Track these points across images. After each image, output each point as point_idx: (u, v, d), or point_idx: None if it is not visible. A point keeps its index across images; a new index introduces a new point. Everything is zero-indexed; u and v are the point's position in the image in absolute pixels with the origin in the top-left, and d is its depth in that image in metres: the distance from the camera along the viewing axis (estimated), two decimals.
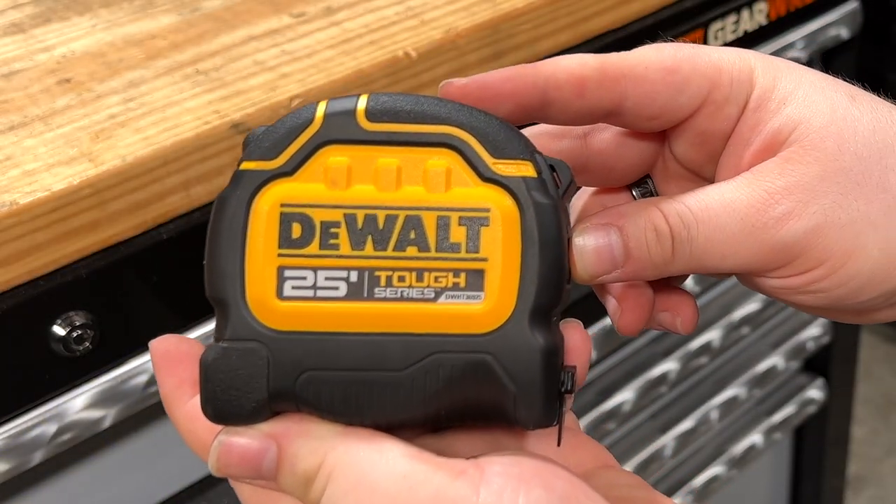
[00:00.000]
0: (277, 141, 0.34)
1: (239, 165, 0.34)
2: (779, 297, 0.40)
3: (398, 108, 0.34)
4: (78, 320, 0.54)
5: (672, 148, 0.41)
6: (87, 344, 0.54)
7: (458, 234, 0.33)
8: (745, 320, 0.99)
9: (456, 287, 0.33)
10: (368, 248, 0.33)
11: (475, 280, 0.33)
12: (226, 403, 0.33)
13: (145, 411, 0.61)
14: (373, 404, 0.33)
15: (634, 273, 0.37)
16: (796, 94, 0.38)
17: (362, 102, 0.34)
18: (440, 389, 0.32)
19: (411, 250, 0.33)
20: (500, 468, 0.32)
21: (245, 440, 0.34)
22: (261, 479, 0.35)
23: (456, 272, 0.33)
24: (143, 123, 0.57)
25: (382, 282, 0.33)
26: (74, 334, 0.54)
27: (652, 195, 0.43)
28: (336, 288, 0.33)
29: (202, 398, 0.33)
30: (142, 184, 0.55)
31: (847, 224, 0.37)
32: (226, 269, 0.34)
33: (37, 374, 0.55)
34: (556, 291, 0.33)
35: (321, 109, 0.34)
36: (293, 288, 0.33)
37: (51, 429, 0.55)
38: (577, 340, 0.36)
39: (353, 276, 0.33)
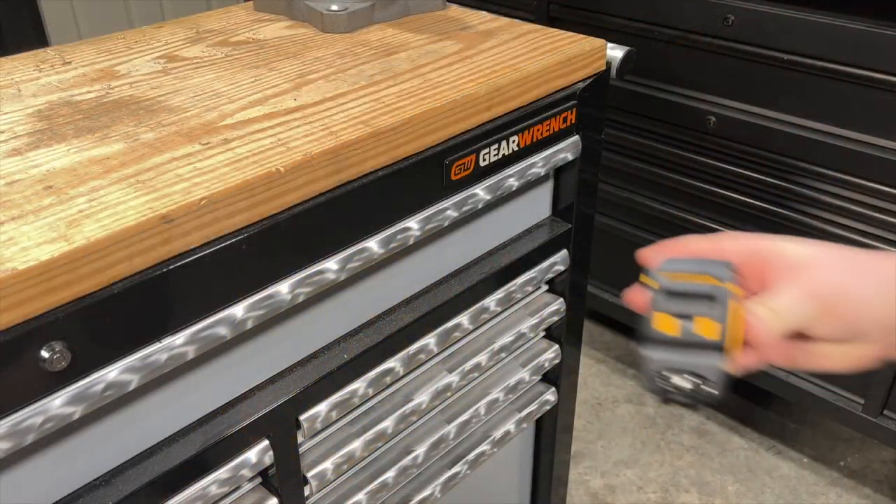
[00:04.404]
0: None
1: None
2: (823, 335, 0.55)
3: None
4: (57, 347, 0.56)
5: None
6: (64, 363, 0.57)
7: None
8: (503, 348, 1.01)
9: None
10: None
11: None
12: None
13: (103, 408, 0.64)
14: None
15: (768, 337, 0.54)
16: (797, 248, 0.55)
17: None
18: None
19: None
20: None
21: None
22: None
23: None
24: (101, 216, 0.59)
25: None
26: (55, 356, 0.56)
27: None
28: None
29: None
30: (100, 256, 0.57)
31: (843, 289, 0.53)
32: None
33: (28, 383, 0.56)
34: None
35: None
36: None
37: (38, 420, 0.57)
38: None
39: None
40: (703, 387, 0.53)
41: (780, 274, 0.55)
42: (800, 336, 0.56)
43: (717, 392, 0.53)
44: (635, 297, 0.58)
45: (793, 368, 0.61)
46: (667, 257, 0.57)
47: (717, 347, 0.53)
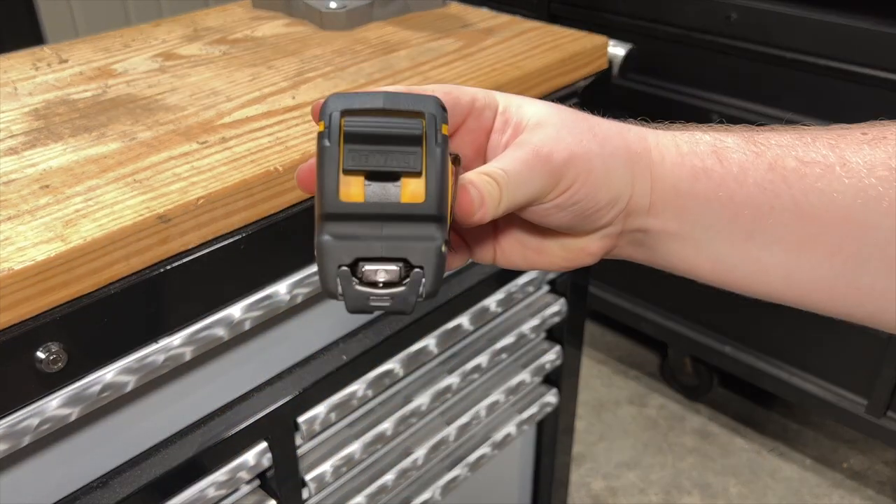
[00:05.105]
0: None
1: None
2: (549, 218, 0.44)
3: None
4: (53, 347, 0.57)
5: (462, 144, 0.46)
6: (60, 364, 0.57)
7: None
8: (504, 349, 1.01)
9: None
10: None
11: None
12: None
13: (100, 409, 0.64)
14: None
15: (486, 212, 0.40)
16: (524, 105, 0.45)
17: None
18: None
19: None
20: None
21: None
22: None
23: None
24: (98, 215, 0.59)
25: None
26: (51, 357, 0.57)
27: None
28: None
29: None
30: (97, 256, 0.57)
31: (583, 153, 0.43)
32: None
33: (25, 384, 0.57)
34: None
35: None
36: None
37: (35, 421, 0.58)
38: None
39: None
40: (411, 281, 0.36)
41: (502, 137, 0.45)
42: (516, 225, 0.47)
43: (432, 288, 0.37)
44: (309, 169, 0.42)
45: (505, 265, 0.48)
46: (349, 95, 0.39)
47: (430, 217, 0.37)
